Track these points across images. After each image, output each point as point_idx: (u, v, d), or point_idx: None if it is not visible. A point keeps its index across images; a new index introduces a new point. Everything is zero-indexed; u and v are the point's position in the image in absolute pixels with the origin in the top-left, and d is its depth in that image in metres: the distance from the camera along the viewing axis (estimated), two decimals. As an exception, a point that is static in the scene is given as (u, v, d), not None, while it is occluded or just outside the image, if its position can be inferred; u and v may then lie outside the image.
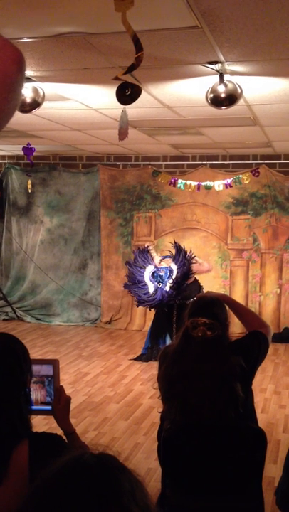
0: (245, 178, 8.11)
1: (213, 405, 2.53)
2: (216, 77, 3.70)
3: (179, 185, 8.34)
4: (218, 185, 8.18)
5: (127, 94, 2.48)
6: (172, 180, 8.37)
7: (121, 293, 8.84)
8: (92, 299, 9.03)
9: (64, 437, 2.06)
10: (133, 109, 5.04)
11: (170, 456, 2.68)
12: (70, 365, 6.78)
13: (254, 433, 2.61)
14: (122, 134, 3.11)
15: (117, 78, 2.46)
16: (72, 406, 5.48)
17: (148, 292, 6.58)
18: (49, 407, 2.12)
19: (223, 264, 8.40)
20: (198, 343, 2.64)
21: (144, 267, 6.72)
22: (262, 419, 5.14)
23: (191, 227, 8.49)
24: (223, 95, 3.71)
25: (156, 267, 6.72)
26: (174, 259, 6.63)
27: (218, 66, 3.59)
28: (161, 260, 6.78)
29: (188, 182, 8.29)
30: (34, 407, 2.07)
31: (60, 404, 2.10)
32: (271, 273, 8.25)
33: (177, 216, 8.56)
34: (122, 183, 8.70)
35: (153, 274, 6.66)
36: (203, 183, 8.22)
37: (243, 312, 3.06)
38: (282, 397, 5.83)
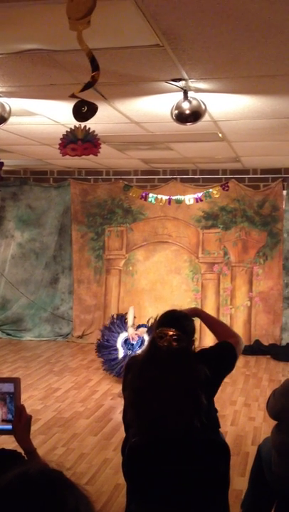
0: (215, 192, 8.21)
1: (178, 415, 2.54)
2: (181, 94, 3.75)
3: (150, 199, 8.40)
4: (189, 199, 8.26)
5: (84, 111, 2.49)
6: (143, 195, 8.43)
7: (93, 307, 8.84)
8: (64, 313, 9.00)
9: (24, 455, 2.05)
10: (101, 125, 5.08)
11: (134, 469, 2.68)
12: (40, 380, 6.72)
13: (218, 446, 2.63)
14: (83, 149, 3.12)
15: (73, 95, 2.48)
16: (41, 422, 5.44)
17: (116, 358, 6.57)
18: (9, 426, 2.10)
19: (194, 278, 8.45)
20: (163, 354, 2.66)
21: (118, 333, 6.73)
22: (231, 432, 5.17)
23: (163, 240, 8.54)
24: (187, 112, 3.77)
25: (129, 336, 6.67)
26: (148, 330, 6.54)
27: (182, 83, 3.64)
28: (136, 328, 6.75)
29: (159, 196, 8.36)
30: None
31: (20, 423, 2.09)
32: (242, 286, 8.34)
33: (148, 230, 8.61)
34: (93, 198, 8.72)
35: (125, 340, 6.65)
36: (174, 197, 8.30)
37: (213, 324, 3.11)
38: (252, 409, 5.87)
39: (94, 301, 8.83)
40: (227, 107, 4.31)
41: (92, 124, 5.04)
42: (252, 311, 8.30)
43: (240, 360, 7.82)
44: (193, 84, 3.69)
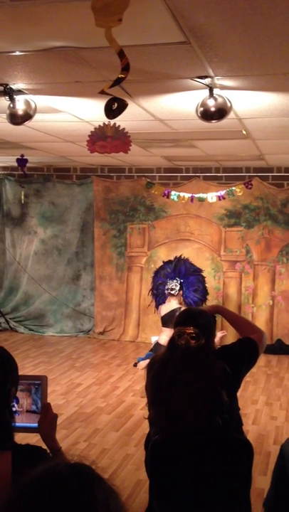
0: (238, 190, 8.16)
1: (198, 413, 2.54)
2: (206, 91, 3.74)
3: (172, 197, 8.38)
4: (212, 197, 8.22)
5: (114, 108, 2.50)
6: (166, 192, 8.42)
7: (114, 304, 8.87)
8: (86, 309, 9.04)
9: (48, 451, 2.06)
10: (125, 122, 5.08)
11: (156, 466, 2.68)
12: (62, 375, 6.78)
13: (240, 444, 2.62)
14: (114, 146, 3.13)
15: (103, 92, 2.49)
16: (63, 417, 5.49)
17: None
18: (35, 425, 2.12)
19: (216, 276, 8.43)
20: (182, 352, 2.67)
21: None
22: (253, 431, 5.16)
23: (185, 238, 8.53)
24: (212, 109, 3.76)
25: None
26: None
27: (207, 80, 3.63)
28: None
29: (182, 194, 8.34)
30: (20, 425, 2.06)
31: (46, 421, 2.10)
32: (264, 285, 8.29)
33: (170, 228, 8.60)
34: (115, 195, 8.74)
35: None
36: (197, 195, 8.27)
37: (236, 320, 3.10)
38: (274, 408, 5.84)
39: (115, 297, 8.86)
40: (252, 104, 4.29)
41: (116, 121, 5.08)
42: (274, 309, 8.25)
43: (262, 359, 7.78)
44: (218, 81, 3.68)
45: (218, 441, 2.62)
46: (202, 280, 7.42)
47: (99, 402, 5.90)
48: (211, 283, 8.33)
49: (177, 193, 8.36)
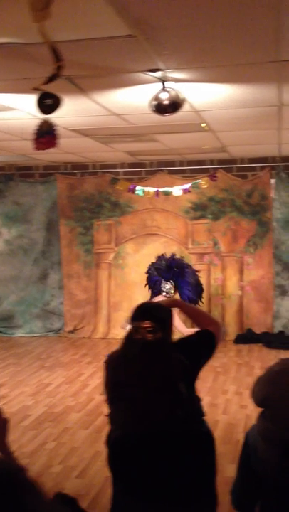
0: (203, 182, 8.18)
1: (158, 407, 2.53)
2: (159, 85, 3.72)
3: (137, 192, 8.36)
4: (177, 190, 8.23)
5: (48, 104, 2.46)
6: (131, 187, 8.39)
7: (83, 302, 8.82)
8: (55, 308, 8.97)
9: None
10: (81, 118, 5.06)
11: (118, 462, 2.67)
12: (31, 376, 6.71)
13: (201, 436, 2.62)
14: (41, 143, 3.09)
15: (36, 89, 2.45)
16: (31, 418, 5.42)
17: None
18: None
19: (184, 269, 8.42)
20: (139, 347, 2.66)
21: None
22: (223, 421, 5.18)
23: (152, 233, 8.52)
24: (166, 102, 3.74)
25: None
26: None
27: (159, 74, 3.61)
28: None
29: (147, 188, 8.32)
30: None
31: None
32: (232, 276, 8.33)
33: (137, 223, 8.58)
34: (80, 192, 8.68)
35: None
36: (162, 189, 8.27)
37: (193, 313, 3.10)
38: (244, 397, 5.87)
39: (84, 295, 8.81)
40: (207, 96, 4.29)
41: (71, 117, 5.04)
42: (243, 300, 8.30)
43: (233, 349, 7.83)
44: (171, 74, 3.66)
45: (179, 434, 2.61)
46: (196, 278, 7.45)
47: (68, 400, 5.85)
48: (179, 276, 8.34)
49: (142, 188, 8.34)
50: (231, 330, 8.26)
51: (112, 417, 2.69)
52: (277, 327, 8.11)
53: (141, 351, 2.64)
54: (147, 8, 2.59)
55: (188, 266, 7.51)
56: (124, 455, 2.64)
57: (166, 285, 7.13)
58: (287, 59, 3.33)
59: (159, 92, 3.73)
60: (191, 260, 8.42)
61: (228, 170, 8.19)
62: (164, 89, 3.70)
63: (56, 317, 8.97)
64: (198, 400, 3.02)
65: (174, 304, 3.04)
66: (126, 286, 8.59)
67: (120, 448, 2.63)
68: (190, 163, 8.33)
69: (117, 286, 8.70)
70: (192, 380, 2.74)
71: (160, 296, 7.16)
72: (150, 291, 7.51)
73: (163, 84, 3.68)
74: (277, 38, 2.97)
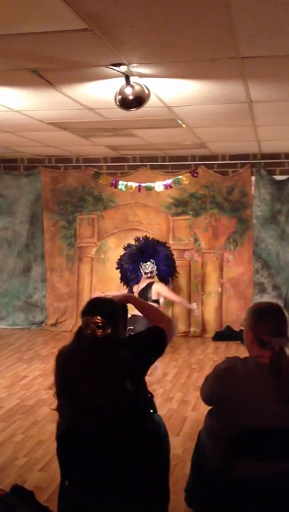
0: (184, 178, 8.21)
1: (103, 402, 2.56)
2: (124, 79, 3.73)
3: (120, 187, 8.38)
4: (159, 186, 8.26)
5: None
6: (113, 182, 8.41)
7: (66, 295, 8.84)
8: (37, 301, 8.98)
9: None
10: (55, 111, 5.07)
11: (65, 456, 2.69)
12: (8, 369, 6.73)
13: (146, 432, 2.64)
14: None
15: None
16: (3, 410, 5.43)
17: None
18: None
19: (165, 265, 8.44)
20: (88, 342, 2.68)
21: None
22: (192, 417, 5.19)
23: (134, 228, 8.52)
24: (130, 97, 3.75)
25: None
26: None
27: (123, 68, 3.62)
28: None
29: (129, 183, 8.34)
30: None
31: None
32: (212, 272, 8.35)
33: (119, 217, 8.59)
34: (63, 185, 8.68)
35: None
36: (144, 184, 8.29)
37: (145, 310, 3.13)
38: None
39: (67, 289, 8.83)
40: (176, 92, 4.29)
41: (45, 110, 5.04)
42: (223, 297, 8.33)
43: (211, 346, 7.86)
44: (135, 69, 3.67)
45: (123, 430, 2.63)
46: (170, 253, 7.61)
47: (42, 394, 5.87)
48: (160, 272, 8.35)
49: (125, 183, 8.36)
50: (210, 327, 8.29)
51: (59, 411, 2.72)
52: (256, 324, 8.13)
53: (89, 347, 2.67)
54: (97, 2, 2.59)
55: (159, 243, 7.59)
56: (70, 449, 2.66)
57: (147, 267, 7.23)
58: (247, 56, 3.34)
59: (124, 87, 3.74)
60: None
61: (210, 166, 8.20)
62: (128, 83, 3.71)
63: (39, 310, 8.98)
64: (149, 396, 3.05)
65: (126, 299, 3.06)
66: (107, 280, 8.60)
67: (66, 442, 2.66)
68: (172, 158, 8.34)
69: (98, 280, 8.71)
70: (140, 376, 2.76)
71: (143, 280, 7.21)
72: (126, 285, 7.56)
73: (127, 78, 3.68)
74: (232, 34, 2.98)
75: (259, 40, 3.10)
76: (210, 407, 2.80)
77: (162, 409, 5.32)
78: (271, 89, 4.22)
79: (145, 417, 2.76)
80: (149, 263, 7.35)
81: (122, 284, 7.71)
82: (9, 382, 6.21)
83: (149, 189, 8.28)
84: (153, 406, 3.16)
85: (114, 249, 8.57)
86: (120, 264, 7.62)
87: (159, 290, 7.28)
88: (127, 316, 3.07)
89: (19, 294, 8.97)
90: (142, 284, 7.33)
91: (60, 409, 2.71)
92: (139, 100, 3.76)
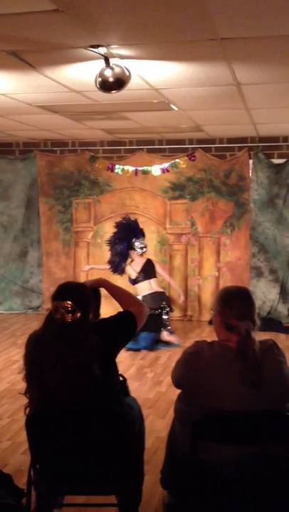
0: (181, 162, 8.14)
1: (70, 388, 2.56)
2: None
3: (116, 171, 8.34)
4: (156, 169, 8.20)
5: None
6: (110, 166, 8.36)
7: (62, 280, 8.81)
8: (34, 286, 9.00)
9: None
10: (41, 94, 5.02)
11: (33, 440, 2.70)
12: (1, 353, 6.76)
13: (113, 415, 2.64)
14: None
15: None
16: (-8, 394, 5.37)
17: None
18: None
19: (162, 249, 8.43)
20: (57, 327, 2.68)
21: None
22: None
23: (130, 212, 8.45)
24: (110, 79, 3.70)
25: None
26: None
27: (102, 50, 3.56)
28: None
29: (126, 167, 8.29)
30: None
31: None
32: (209, 256, 8.32)
33: (116, 202, 8.54)
34: (59, 169, 8.64)
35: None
36: (141, 168, 8.24)
37: (117, 293, 3.09)
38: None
39: (63, 273, 8.83)
40: (161, 74, 4.22)
41: (31, 93, 5.00)
42: (220, 281, 8.29)
43: (206, 330, 7.85)
44: (114, 50, 3.61)
45: (91, 413, 2.64)
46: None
47: (33, 377, 5.90)
48: (157, 256, 8.33)
49: (121, 167, 8.31)
50: (207, 311, 8.27)
51: (28, 395, 2.73)
52: (253, 308, 8.10)
53: (57, 332, 2.67)
54: (66, -19, 2.55)
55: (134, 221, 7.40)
56: (39, 433, 2.67)
57: (141, 242, 7.15)
58: (226, 37, 3.27)
59: (104, 69, 3.69)
60: (169, 240, 8.43)
61: (207, 150, 8.12)
62: (108, 65, 3.66)
63: (35, 295, 9.00)
64: (121, 380, 3.04)
65: (99, 283, 3.05)
66: (104, 264, 8.57)
67: (34, 426, 2.67)
68: (169, 142, 8.27)
69: (95, 264, 8.69)
70: (109, 361, 2.75)
71: (134, 262, 7.03)
72: (117, 265, 7.29)
73: (106, 60, 3.63)
74: (207, 15, 2.91)
75: (236, 20, 3.03)
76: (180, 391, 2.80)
77: (150, 392, 5.34)
78: (257, 71, 4.14)
79: (115, 400, 2.75)
80: (141, 239, 7.25)
81: (109, 265, 7.42)
82: (1, 367, 6.24)
83: (145, 173, 8.23)
84: (125, 390, 3.17)
85: (111, 234, 8.53)
86: (114, 243, 7.38)
87: (157, 268, 7.22)
88: (100, 300, 3.06)
89: (15, 278, 8.98)
90: (140, 261, 7.13)
91: (29, 393, 2.72)
92: (120, 82, 3.71)
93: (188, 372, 2.61)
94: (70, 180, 8.61)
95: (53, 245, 8.81)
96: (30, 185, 8.75)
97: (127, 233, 7.26)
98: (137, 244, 7.19)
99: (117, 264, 7.22)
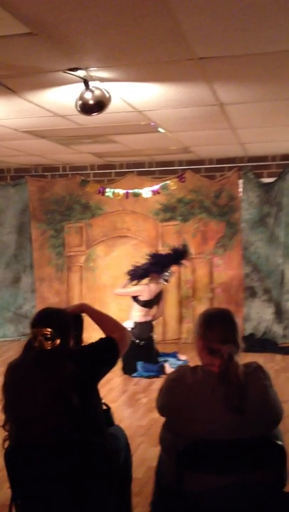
0: (172, 184, 8.13)
1: (46, 418, 2.47)
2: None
3: (107, 194, 8.32)
4: (146, 192, 8.18)
5: None
6: (100, 189, 8.34)
7: (55, 305, 8.72)
8: (27, 312, 8.90)
9: None
10: (24, 120, 5.01)
11: (12, 472, 2.60)
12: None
13: (91, 446, 2.54)
14: None
15: None
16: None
17: None
18: None
19: (155, 271, 8.34)
20: (35, 354, 2.60)
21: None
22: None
23: (122, 235, 8.45)
24: (91, 102, 3.68)
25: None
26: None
27: (81, 73, 3.55)
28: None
29: (117, 190, 8.27)
30: None
31: None
32: (203, 278, 8.25)
33: (107, 225, 8.51)
34: (50, 194, 8.62)
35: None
36: (131, 191, 8.22)
37: (100, 319, 3.01)
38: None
39: (56, 298, 8.75)
40: (142, 96, 4.21)
41: (14, 119, 4.98)
42: (214, 302, 8.20)
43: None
44: (93, 73, 3.59)
45: (68, 445, 2.54)
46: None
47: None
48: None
49: (112, 190, 8.29)
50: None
51: (6, 427, 2.63)
52: (248, 330, 8.02)
53: (34, 360, 2.58)
54: (36, 5, 2.52)
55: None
56: (16, 465, 2.57)
57: (168, 274, 7.13)
58: (204, 56, 3.26)
59: (83, 92, 3.67)
60: (162, 262, 8.35)
61: (197, 171, 8.11)
62: (87, 88, 3.63)
63: (29, 321, 8.85)
64: (105, 408, 2.94)
65: (80, 308, 2.98)
66: (97, 288, 8.52)
67: (12, 459, 2.57)
68: (159, 164, 8.26)
69: (88, 288, 8.63)
70: (89, 390, 2.66)
71: (155, 284, 6.93)
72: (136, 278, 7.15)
73: (86, 83, 3.61)
74: (182, 34, 2.89)
75: (212, 40, 3.01)
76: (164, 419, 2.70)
77: (143, 419, 5.22)
78: (239, 90, 4.13)
79: (96, 431, 2.66)
80: (170, 271, 7.24)
81: (134, 268, 7.18)
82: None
83: (136, 195, 8.21)
84: (109, 419, 3.06)
85: (104, 257, 8.50)
86: (156, 260, 7.21)
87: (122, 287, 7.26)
88: (82, 325, 2.99)
89: (9, 305, 8.89)
90: (157, 288, 7.08)
91: (7, 424, 2.62)
92: (100, 105, 3.69)
93: (171, 399, 2.53)
94: (62, 205, 8.58)
95: (45, 270, 8.74)
96: (22, 210, 8.72)
97: (171, 262, 7.20)
98: (166, 273, 7.15)
99: (140, 276, 7.11)
